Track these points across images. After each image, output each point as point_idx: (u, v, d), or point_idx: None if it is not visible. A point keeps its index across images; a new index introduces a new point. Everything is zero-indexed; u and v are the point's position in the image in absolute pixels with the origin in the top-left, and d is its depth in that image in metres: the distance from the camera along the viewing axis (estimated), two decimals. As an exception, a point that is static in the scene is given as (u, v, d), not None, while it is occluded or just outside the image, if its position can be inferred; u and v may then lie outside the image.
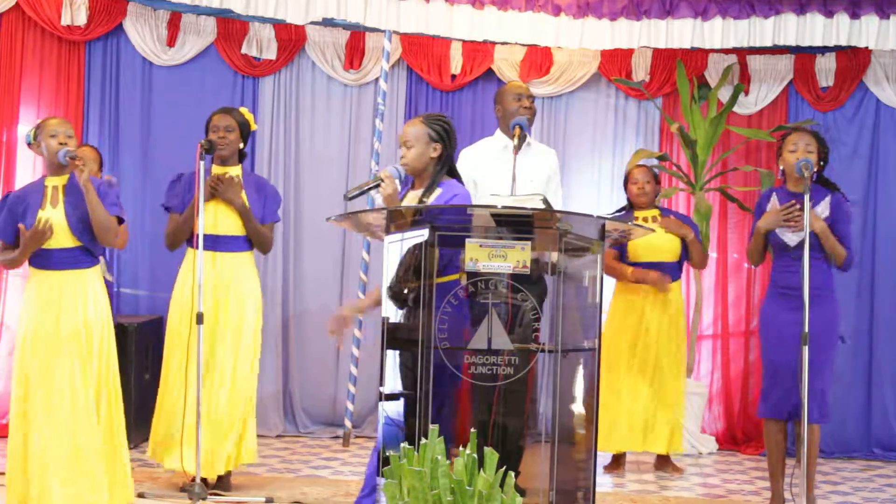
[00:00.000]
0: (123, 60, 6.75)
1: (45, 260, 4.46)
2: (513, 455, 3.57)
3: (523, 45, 6.82)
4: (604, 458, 6.01)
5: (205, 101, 6.52)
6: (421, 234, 3.54)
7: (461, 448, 2.61)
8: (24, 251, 4.45)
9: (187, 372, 4.93)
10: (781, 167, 5.00)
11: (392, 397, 3.66)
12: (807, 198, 4.64)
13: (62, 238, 4.45)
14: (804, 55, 6.83)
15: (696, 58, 6.86)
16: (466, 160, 5.09)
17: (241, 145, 5.26)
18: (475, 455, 2.58)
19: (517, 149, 4.71)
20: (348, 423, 6.56)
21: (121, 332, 6.05)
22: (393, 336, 3.69)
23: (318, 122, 6.96)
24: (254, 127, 5.37)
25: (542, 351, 3.48)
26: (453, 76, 6.98)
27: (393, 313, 3.70)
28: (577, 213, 4.15)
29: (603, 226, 3.70)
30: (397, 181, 4.01)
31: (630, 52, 6.88)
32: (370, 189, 4.04)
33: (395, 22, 6.49)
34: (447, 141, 4.07)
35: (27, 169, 6.32)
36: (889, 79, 6.77)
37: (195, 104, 6.52)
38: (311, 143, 6.95)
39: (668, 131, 6.92)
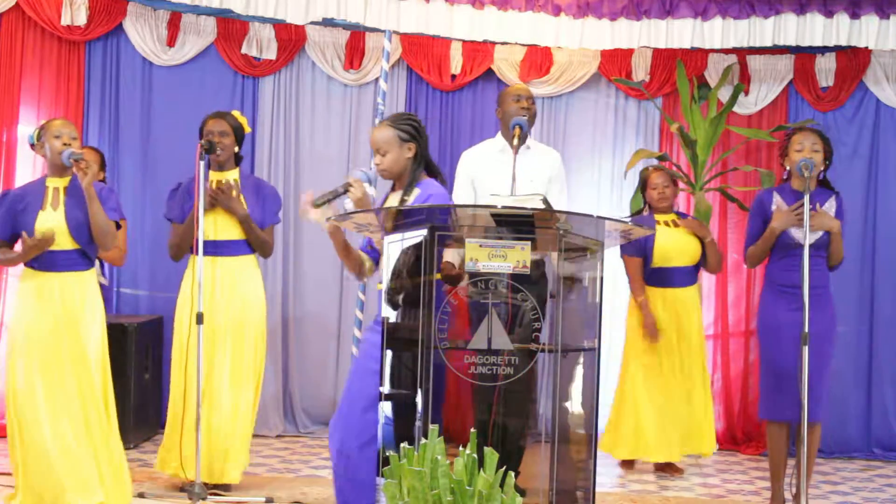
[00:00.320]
0: (123, 60, 6.75)
1: (42, 261, 4.46)
2: (513, 455, 3.57)
3: (523, 45, 6.82)
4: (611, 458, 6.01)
5: (205, 101, 6.52)
6: (413, 236, 3.55)
7: (461, 448, 2.61)
8: (24, 256, 4.46)
9: (187, 372, 4.93)
10: (787, 167, 5.00)
11: (392, 397, 3.66)
12: (807, 198, 4.65)
13: (61, 240, 4.45)
14: (804, 55, 6.83)
15: (696, 58, 6.86)
16: (466, 161, 5.11)
17: (237, 149, 5.26)
18: (475, 455, 2.58)
19: (517, 148, 4.71)
20: (348, 423, 6.55)
21: (121, 332, 6.05)
22: (393, 336, 3.69)
23: (318, 122, 6.96)
24: (247, 130, 5.37)
25: (542, 351, 3.48)
26: (453, 76, 6.98)
27: (392, 313, 3.70)
28: (578, 213, 4.14)
29: (603, 225, 3.70)
30: (366, 185, 4.00)
31: (630, 52, 6.87)
32: (339, 195, 4.02)
33: (395, 22, 6.49)
34: (419, 139, 4.05)
35: (27, 169, 6.32)
36: (889, 79, 6.77)
37: (195, 104, 6.52)
38: (311, 143, 6.95)
39: (668, 131, 6.92)
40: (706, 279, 6.91)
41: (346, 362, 6.68)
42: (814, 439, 4.89)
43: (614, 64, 6.92)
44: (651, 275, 5.97)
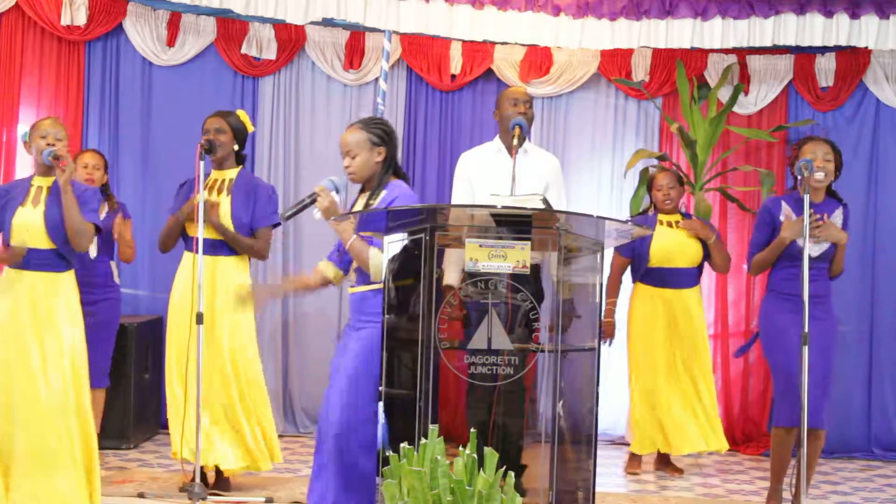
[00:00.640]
0: (123, 60, 6.76)
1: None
2: (513, 455, 3.57)
3: (523, 45, 6.82)
4: (616, 457, 6.01)
5: (205, 101, 6.52)
6: (392, 239, 3.60)
7: (461, 448, 2.61)
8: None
9: (187, 372, 4.93)
10: (798, 176, 4.97)
11: (392, 397, 3.66)
12: (806, 198, 4.62)
13: (37, 239, 4.43)
14: (804, 55, 6.84)
15: (695, 58, 6.87)
16: (464, 164, 5.10)
17: (237, 147, 5.26)
18: (475, 455, 2.58)
19: (516, 149, 4.71)
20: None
21: (121, 332, 6.06)
22: (392, 336, 3.69)
23: (318, 122, 6.96)
24: (250, 129, 5.36)
25: (542, 351, 3.48)
26: (453, 76, 6.98)
27: (391, 313, 3.70)
28: (577, 213, 4.14)
29: (603, 225, 3.70)
30: (333, 193, 4.00)
31: (630, 52, 6.88)
32: (307, 205, 4.02)
33: (395, 22, 6.49)
34: (389, 143, 4.06)
35: (27, 169, 6.30)
36: (889, 79, 6.78)
37: (195, 104, 6.53)
38: (311, 143, 6.95)
39: (668, 131, 6.92)
40: (706, 279, 6.91)
41: (346, 362, 6.68)
42: (819, 445, 4.91)
43: (614, 64, 6.92)
44: (650, 275, 5.97)
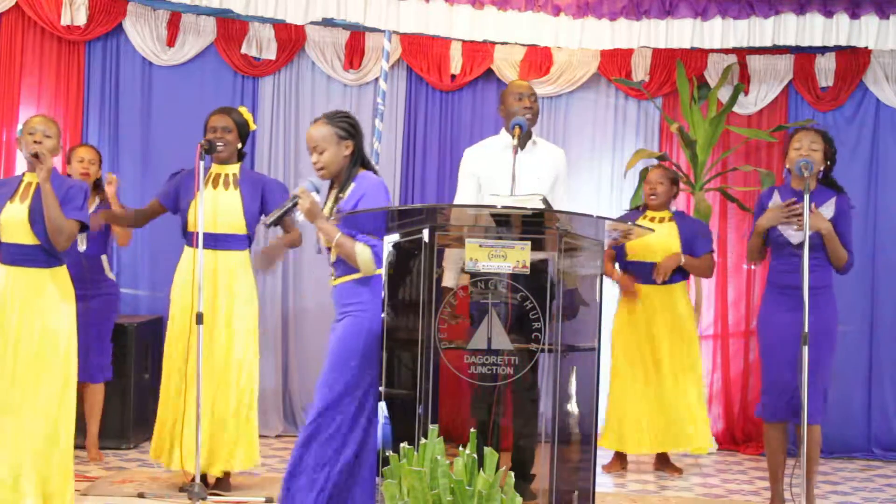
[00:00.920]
0: (123, 60, 6.75)
1: (5, 254, 4.47)
2: (527, 463, 3.57)
3: (523, 45, 6.82)
4: (604, 457, 6.01)
5: (205, 101, 6.52)
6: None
7: (461, 448, 2.61)
8: None
9: (187, 372, 4.93)
10: (787, 166, 4.99)
11: (391, 397, 3.66)
12: (806, 198, 4.64)
13: (21, 234, 4.42)
14: (804, 55, 6.84)
15: (695, 58, 6.87)
16: (470, 159, 5.08)
17: (240, 145, 5.26)
18: (475, 455, 2.58)
19: (517, 149, 4.70)
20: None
21: (121, 332, 6.06)
22: (392, 336, 3.69)
23: (318, 122, 6.96)
24: (252, 127, 5.36)
25: (543, 351, 3.48)
26: (453, 76, 6.98)
27: (391, 313, 3.71)
28: (577, 213, 4.14)
29: (603, 226, 3.70)
30: (314, 194, 3.99)
31: (630, 52, 6.88)
32: (289, 210, 4.03)
33: (395, 22, 6.49)
34: (356, 136, 4.07)
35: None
36: (889, 79, 6.78)
37: (195, 104, 6.52)
38: (311, 143, 6.94)
39: (668, 131, 6.92)
40: (707, 280, 6.91)
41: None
42: (813, 441, 4.86)
43: (614, 64, 6.92)
44: (631, 269, 5.95)
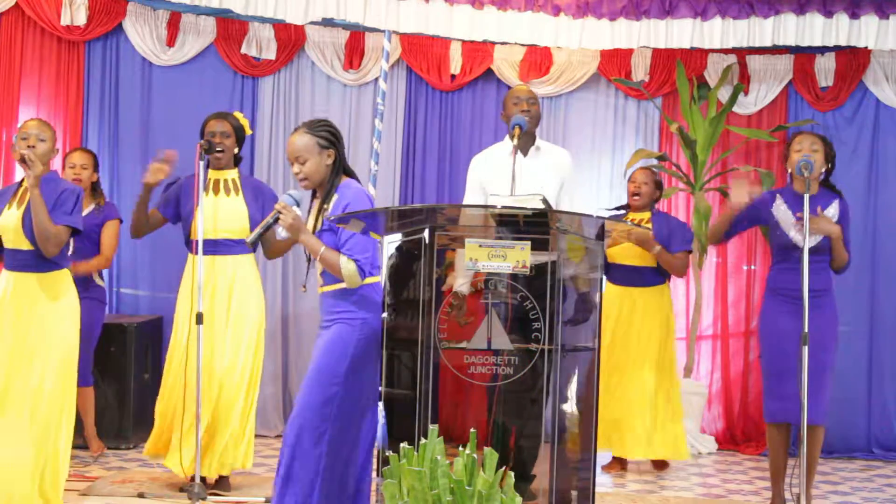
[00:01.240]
0: (123, 60, 6.75)
1: (7, 260, 4.48)
2: (528, 463, 3.56)
3: (523, 45, 6.82)
4: (603, 457, 6.02)
5: (204, 101, 6.52)
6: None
7: (461, 448, 2.61)
8: None
9: (187, 372, 4.93)
10: (789, 169, 4.99)
11: (391, 397, 3.66)
12: (807, 198, 4.64)
13: (17, 240, 4.42)
14: (804, 55, 6.84)
15: (695, 58, 6.87)
16: (476, 166, 5.08)
17: (237, 150, 5.26)
18: (475, 455, 2.58)
19: (516, 149, 4.71)
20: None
21: (121, 332, 6.06)
22: (392, 336, 3.70)
23: (318, 122, 6.96)
24: (248, 132, 5.36)
25: (543, 351, 3.47)
26: (453, 76, 6.98)
27: (390, 313, 3.71)
28: (577, 213, 4.14)
29: (602, 226, 3.70)
30: (295, 208, 3.94)
31: (629, 52, 6.88)
32: (271, 225, 3.98)
33: (395, 22, 6.49)
34: (338, 144, 4.02)
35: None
36: (889, 79, 6.78)
37: (195, 104, 6.52)
38: (311, 143, 6.94)
39: (668, 131, 6.93)
40: (707, 279, 6.92)
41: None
42: (816, 442, 4.88)
43: (614, 64, 6.92)
44: (610, 271, 5.92)
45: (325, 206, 3.97)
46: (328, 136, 3.99)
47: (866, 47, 6.53)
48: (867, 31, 6.43)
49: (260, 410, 5.90)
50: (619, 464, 6.08)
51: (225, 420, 5.06)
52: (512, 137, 4.77)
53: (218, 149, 5.11)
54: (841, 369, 6.12)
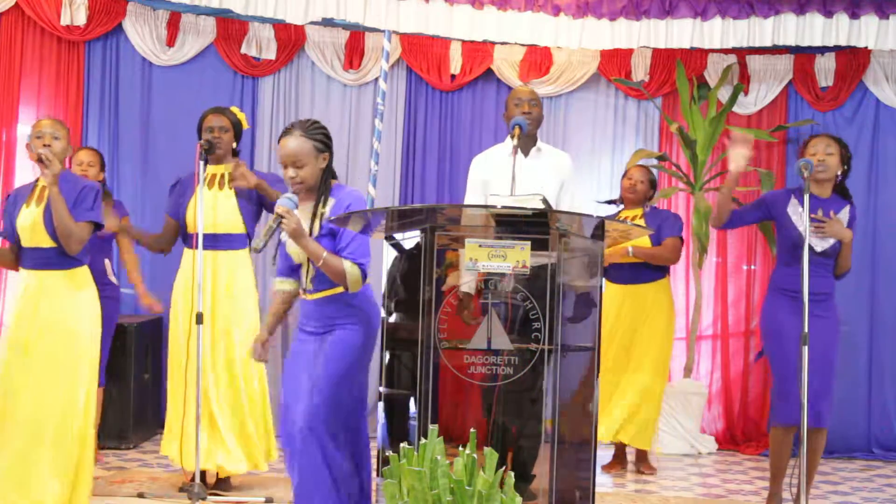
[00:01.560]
0: (123, 60, 6.76)
1: (25, 258, 4.46)
2: (528, 463, 3.56)
3: (523, 45, 6.83)
4: (604, 457, 6.02)
5: (204, 101, 6.50)
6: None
7: (461, 448, 2.61)
8: None
9: (187, 371, 4.93)
10: (798, 174, 4.97)
11: (391, 397, 3.66)
12: (806, 197, 4.63)
13: (39, 237, 4.41)
14: (804, 55, 6.84)
15: (695, 58, 6.87)
16: (477, 166, 5.08)
17: (234, 144, 5.27)
18: (475, 455, 2.58)
19: (516, 149, 4.71)
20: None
21: (121, 332, 6.05)
22: (392, 336, 3.69)
23: (318, 122, 6.96)
24: (245, 126, 5.37)
25: (543, 351, 3.47)
26: (453, 76, 6.98)
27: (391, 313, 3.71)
28: (577, 213, 4.14)
29: (602, 226, 3.70)
30: (296, 212, 3.86)
31: (629, 52, 6.88)
32: (274, 231, 3.89)
33: (395, 22, 6.49)
34: (330, 147, 4.01)
35: (27, 169, 6.32)
36: (889, 79, 6.78)
37: (195, 104, 6.51)
38: (311, 143, 6.94)
39: (668, 131, 6.93)
40: (707, 279, 6.92)
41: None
42: (819, 444, 4.90)
43: (614, 64, 6.93)
44: (606, 269, 5.94)
45: (322, 209, 3.93)
46: (323, 139, 3.98)
47: (866, 47, 6.54)
48: (867, 31, 6.43)
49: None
50: (619, 464, 6.08)
51: (251, 412, 5.07)
52: (512, 137, 4.77)
53: (217, 146, 5.11)
54: (841, 369, 6.11)
